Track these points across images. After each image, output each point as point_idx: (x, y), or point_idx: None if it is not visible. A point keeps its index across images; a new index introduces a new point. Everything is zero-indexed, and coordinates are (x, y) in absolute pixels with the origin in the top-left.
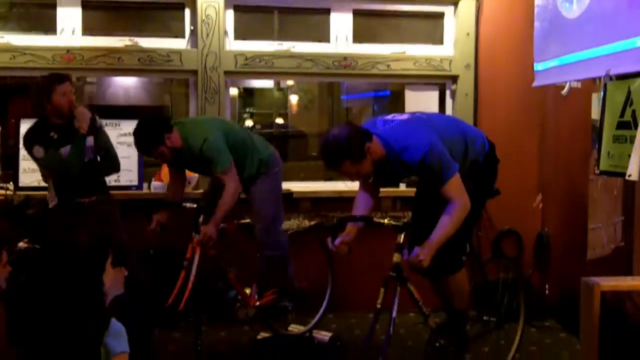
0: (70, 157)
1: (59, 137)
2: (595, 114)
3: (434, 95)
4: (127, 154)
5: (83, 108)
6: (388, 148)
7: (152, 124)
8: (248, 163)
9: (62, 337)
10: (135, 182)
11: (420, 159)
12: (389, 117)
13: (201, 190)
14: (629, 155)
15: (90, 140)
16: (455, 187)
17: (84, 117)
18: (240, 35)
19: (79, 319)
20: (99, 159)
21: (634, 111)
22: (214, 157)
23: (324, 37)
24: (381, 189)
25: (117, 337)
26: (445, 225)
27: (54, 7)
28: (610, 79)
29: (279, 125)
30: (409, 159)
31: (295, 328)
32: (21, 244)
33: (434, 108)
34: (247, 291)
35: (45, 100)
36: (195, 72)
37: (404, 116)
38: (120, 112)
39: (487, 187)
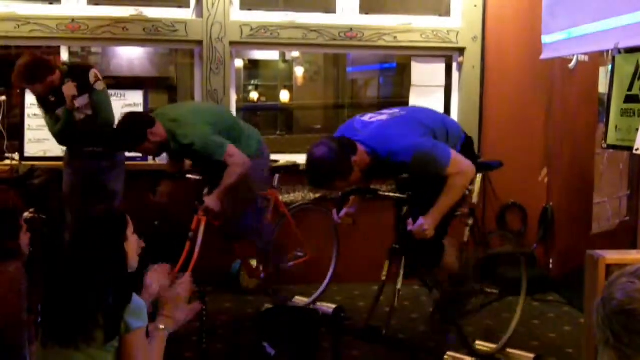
0: (56, 125)
1: (56, 100)
2: (602, 88)
3: (441, 67)
4: None
5: (69, 84)
6: (374, 155)
7: (132, 120)
8: (243, 146)
9: (78, 308)
10: (140, 153)
11: (411, 161)
12: (367, 117)
13: None
14: (637, 129)
15: (84, 99)
16: (455, 165)
17: (67, 94)
18: (245, 5)
19: (100, 290)
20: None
21: None
22: (209, 151)
23: (330, 7)
24: None
25: (137, 315)
26: (448, 193)
27: None
28: (619, 52)
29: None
30: (399, 162)
31: (299, 299)
32: (26, 214)
33: (440, 81)
34: (253, 263)
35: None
36: (200, 43)
37: (383, 116)
38: (126, 82)
39: None
